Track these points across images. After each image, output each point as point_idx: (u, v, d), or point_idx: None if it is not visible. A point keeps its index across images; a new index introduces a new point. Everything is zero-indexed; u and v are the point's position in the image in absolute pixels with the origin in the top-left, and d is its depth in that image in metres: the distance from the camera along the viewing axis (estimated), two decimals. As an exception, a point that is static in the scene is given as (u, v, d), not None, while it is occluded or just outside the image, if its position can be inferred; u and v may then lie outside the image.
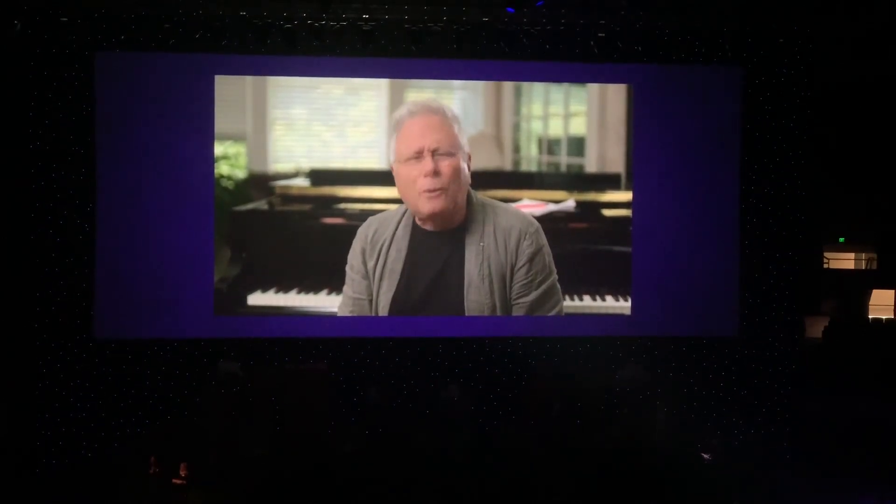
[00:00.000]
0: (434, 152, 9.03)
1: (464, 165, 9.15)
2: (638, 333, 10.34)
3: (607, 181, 10.38)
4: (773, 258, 10.43)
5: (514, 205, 9.88)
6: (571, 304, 10.08)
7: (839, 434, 10.07)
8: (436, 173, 9.01)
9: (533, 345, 10.25)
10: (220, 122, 9.91)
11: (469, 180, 9.23)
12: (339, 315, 9.79)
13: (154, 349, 9.86)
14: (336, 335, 10.03)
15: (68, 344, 9.72)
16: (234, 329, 9.97)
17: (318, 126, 10.16)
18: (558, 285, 9.58)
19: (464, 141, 9.21)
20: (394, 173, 9.27)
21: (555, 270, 9.54)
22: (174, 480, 8.55)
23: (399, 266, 9.30)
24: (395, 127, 9.18)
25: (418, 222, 9.26)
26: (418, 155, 9.04)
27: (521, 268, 9.32)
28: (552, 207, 10.17)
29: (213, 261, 9.89)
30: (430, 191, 9.03)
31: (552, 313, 9.68)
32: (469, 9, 9.65)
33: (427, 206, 9.08)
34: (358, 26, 9.62)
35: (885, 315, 15.22)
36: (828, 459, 9.56)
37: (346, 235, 9.55)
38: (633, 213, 10.29)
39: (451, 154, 9.08)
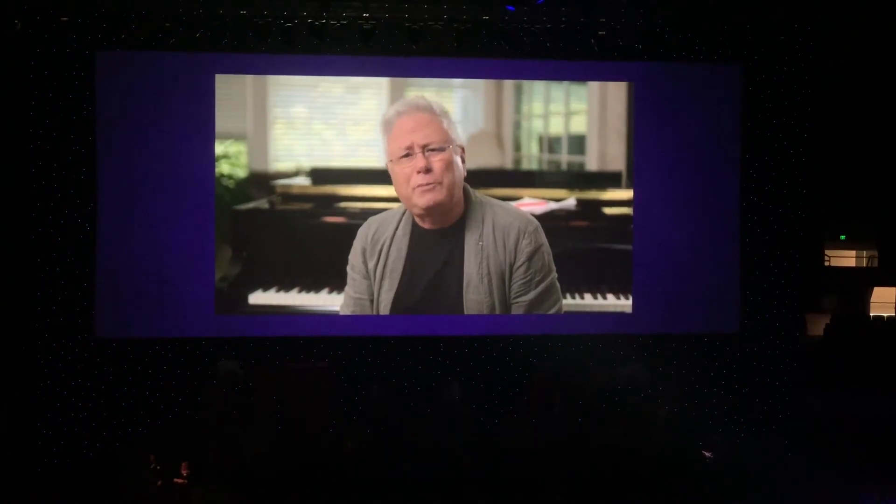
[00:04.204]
0: (425, 148, 9.01)
1: (457, 159, 9.11)
2: (639, 331, 10.34)
3: (608, 179, 10.38)
4: (774, 255, 10.43)
5: (514, 203, 9.88)
6: (572, 302, 10.08)
7: (841, 431, 10.06)
8: (428, 170, 9.00)
9: (535, 343, 10.25)
10: (221, 121, 9.92)
11: (464, 174, 9.20)
12: (340, 315, 9.80)
13: (155, 348, 9.87)
14: (337, 334, 10.04)
15: (69, 343, 9.72)
16: (235, 328, 9.97)
17: (318, 125, 10.17)
18: (558, 284, 9.56)
19: (455, 135, 9.17)
20: (389, 172, 9.27)
21: (554, 269, 9.53)
22: (175, 480, 8.56)
23: (400, 266, 9.30)
24: (386, 128, 9.14)
25: (417, 220, 9.25)
26: (409, 152, 9.03)
27: (519, 266, 9.31)
28: (553, 206, 10.18)
29: (213, 260, 9.90)
30: (423, 185, 9.02)
31: (551, 312, 9.67)
32: (469, 7, 9.63)
33: (422, 199, 9.05)
34: (358, 25, 9.61)
35: (887, 312, 15.20)
36: (829, 457, 9.55)
37: (347, 234, 9.55)
38: (633, 210, 10.30)
39: (441, 149, 9.05)
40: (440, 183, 9.03)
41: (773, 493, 8.78)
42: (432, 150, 9.02)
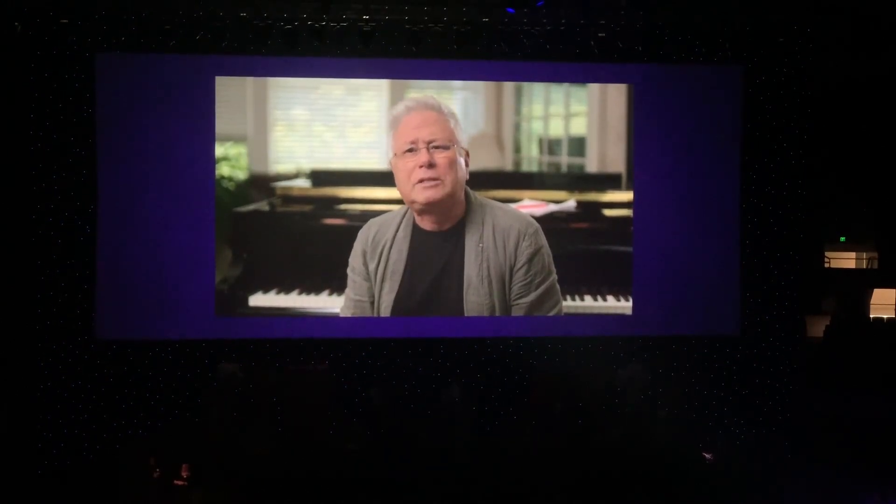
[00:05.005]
0: (429, 144, 9.03)
1: (460, 160, 9.14)
2: (639, 333, 10.33)
3: (608, 181, 10.38)
4: (774, 257, 10.43)
5: (514, 205, 9.88)
6: (572, 304, 10.08)
7: (841, 433, 10.07)
8: (431, 164, 9.02)
9: (535, 345, 10.25)
10: (221, 124, 9.92)
11: (466, 176, 9.22)
12: (340, 316, 9.80)
13: (155, 350, 9.86)
14: (337, 336, 10.04)
15: (69, 345, 9.72)
16: (236, 330, 9.97)
17: (318, 127, 10.17)
18: (558, 286, 9.57)
19: (461, 137, 9.20)
20: (392, 168, 9.28)
21: (554, 271, 9.53)
22: (175, 481, 8.57)
23: (401, 267, 9.31)
24: (393, 123, 9.20)
25: (417, 219, 9.26)
26: (414, 147, 9.05)
27: (520, 269, 9.32)
28: (553, 207, 10.18)
29: (213, 262, 9.90)
30: (424, 180, 9.04)
31: (552, 313, 9.68)
32: (469, 9, 9.64)
33: (422, 195, 9.06)
34: (358, 27, 9.62)
35: (887, 314, 15.20)
36: (829, 458, 9.55)
37: (347, 236, 9.55)
38: (633, 212, 10.30)
39: (446, 147, 9.07)
40: (442, 180, 9.04)
41: (774, 494, 8.79)
42: (437, 146, 9.04)
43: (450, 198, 9.12)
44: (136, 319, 9.77)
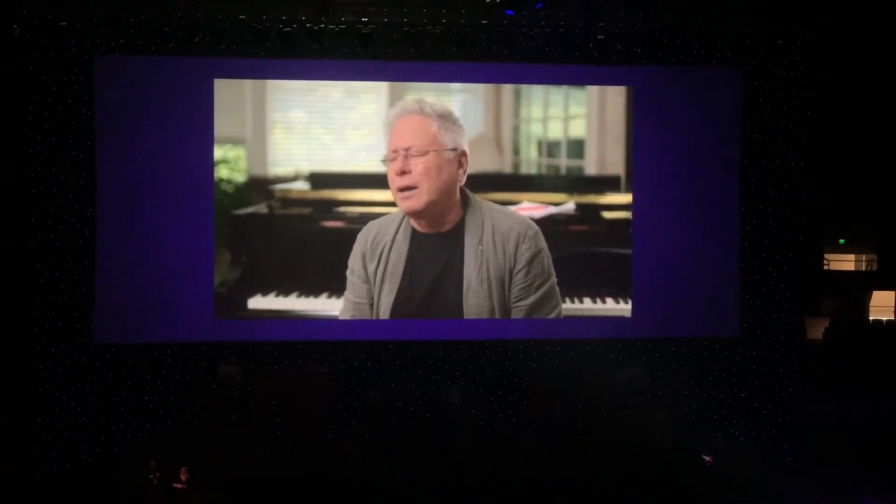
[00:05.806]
0: (407, 152, 9.05)
1: (444, 164, 9.09)
2: (638, 335, 10.33)
3: (607, 183, 10.38)
4: (774, 259, 10.43)
5: (513, 207, 9.88)
6: (572, 306, 10.08)
7: (840, 435, 10.07)
8: (403, 172, 9.06)
9: (534, 347, 10.25)
10: (220, 126, 9.91)
11: (456, 178, 9.16)
12: (339, 319, 9.79)
13: (154, 353, 9.85)
14: (336, 338, 10.03)
15: (68, 348, 9.71)
16: (235, 333, 9.97)
17: (317, 129, 10.17)
18: (557, 288, 9.56)
19: (450, 139, 9.15)
20: (388, 173, 9.36)
21: (554, 273, 9.52)
22: (174, 485, 8.56)
23: (400, 270, 9.30)
24: (386, 129, 9.31)
25: (413, 224, 9.26)
26: (394, 155, 9.12)
27: (519, 271, 9.31)
28: (552, 210, 10.17)
29: (212, 264, 9.89)
30: (400, 189, 9.11)
31: (551, 316, 9.68)
32: (468, 11, 9.63)
33: (403, 205, 9.21)
34: (357, 29, 9.60)
35: (886, 316, 15.20)
36: (829, 459, 9.55)
37: (346, 239, 9.55)
38: (633, 214, 10.29)
39: (423, 153, 9.08)
40: (417, 188, 9.05)
41: (773, 496, 8.77)
42: (413, 154, 9.05)
43: (432, 205, 9.12)
44: (134, 323, 9.76)
